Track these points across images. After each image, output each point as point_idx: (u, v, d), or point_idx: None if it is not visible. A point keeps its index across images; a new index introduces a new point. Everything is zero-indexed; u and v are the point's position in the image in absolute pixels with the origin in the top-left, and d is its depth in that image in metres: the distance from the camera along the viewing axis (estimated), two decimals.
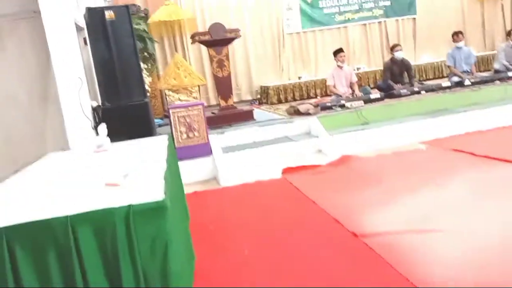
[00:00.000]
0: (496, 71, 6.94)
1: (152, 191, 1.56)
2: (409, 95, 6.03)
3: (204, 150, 4.68)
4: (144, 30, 7.08)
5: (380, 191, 3.52)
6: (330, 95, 8.12)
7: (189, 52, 8.46)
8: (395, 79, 6.76)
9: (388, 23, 9.47)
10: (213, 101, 8.26)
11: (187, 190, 4.09)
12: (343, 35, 9.31)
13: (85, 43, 5.32)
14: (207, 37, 5.50)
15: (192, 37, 5.57)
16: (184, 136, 4.61)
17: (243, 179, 4.32)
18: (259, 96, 8.90)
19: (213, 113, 5.79)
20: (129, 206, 1.43)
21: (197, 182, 4.57)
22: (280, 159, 4.76)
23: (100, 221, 1.43)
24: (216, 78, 5.73)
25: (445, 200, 3.08)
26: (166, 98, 4.84)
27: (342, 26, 9.24)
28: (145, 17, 7.75)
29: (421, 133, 5.12)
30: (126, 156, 2.45)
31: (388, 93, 6.20)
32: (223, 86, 5.74)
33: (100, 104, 4.47)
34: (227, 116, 5.67)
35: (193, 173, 4.58)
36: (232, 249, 2.77)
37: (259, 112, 6.53)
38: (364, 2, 9.27)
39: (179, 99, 4.78)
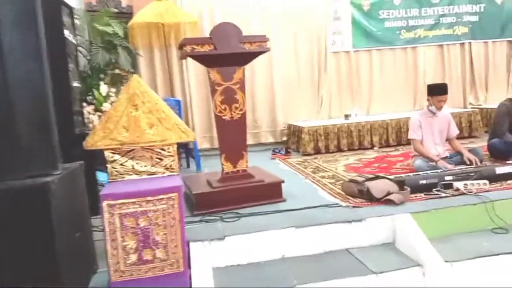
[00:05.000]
0: None
1: None
2: None
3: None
4: (116, 35, 4.83)
5: None
6: (395, 146, 5.67)
7: (188, 73, 6.14)
8: None
9: (474, 46, 7.05)
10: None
11: None
12: (410, 58, 6.89)
13: None
14: (207, 49, 3.15)
15: (181, 46, 3.23)
16: (133, 258, 2.20)
17: None
18: (285, 139, 6.50)
19: (210, 185, 3.36)
20: None
21: None
22: None
23: None
24: (219, 122, 3.34)
25: None
26: (106, 167, 2.48)
27: (409, 46, 6.84)
28: (126, 17, 5.53)
29: None
30: None
31: None
32: (231, 137, 3.34)
33: None
34: (234, 193, 3.26)
35: None
36: None
37: (289, 177, 4.07)
38: (442, 16, 6.88)
39: (133, 170, 2.40)
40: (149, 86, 6.04)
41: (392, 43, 6.76)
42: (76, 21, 4.63)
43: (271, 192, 3.38)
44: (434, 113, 4.07)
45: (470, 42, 7.02)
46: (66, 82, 3.28)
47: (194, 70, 6.05)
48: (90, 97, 4.70)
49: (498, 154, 4.19)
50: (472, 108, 6.73)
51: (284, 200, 3.38)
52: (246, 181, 3.35)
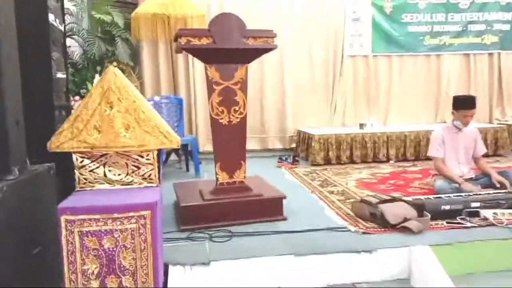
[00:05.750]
0: None
1: None
2: None
3: None
4: (116, 25, 4.52)
5: None
6: (413, 160, 5.17)
7: (194, 70, 5.82)
8: None
9: (504, 57, 6.57)
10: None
11: None
12: (433, 67, 6.45)
13: None
14: (205, 42, 2.79)
15: (176, 38, 2.88)
16: (94, 285, 1.84)
17: None
18: (294, 146, 6.12)
19: (202, 196, 3.00)
20: None
21: None
22: None
23: None
24: (215, 126, 2.97)
25: None
26: (75, 172, 2.13)
27: (433, 53, 6.40)
28: (130, 7, 5.23)
29: None
30: None
31: None
32: (228, 143, 2.98)
33: None
34: (227, 208, 2.90)
35: None
36: None
37: (294, 190, 3.71)
38: (471, 23, 6.43)
39: (105, 179, 2.06)
40: (152, 81, 5.80)
41: (415, 49, 6.33)
42: (73, 7, 4.33)
43: (270, 208, 3.01)
44: (459, 129, 3.65)
45: (499, 53, 6.55)
46: (48, 73, 2.95)
47: (201, 67, 5.68)
48: (84, 90, 4.39)
49: None
50: (498, 124, 6.26)
51: (285, 219, 3.00)
52: (242, 195, 2.98)
